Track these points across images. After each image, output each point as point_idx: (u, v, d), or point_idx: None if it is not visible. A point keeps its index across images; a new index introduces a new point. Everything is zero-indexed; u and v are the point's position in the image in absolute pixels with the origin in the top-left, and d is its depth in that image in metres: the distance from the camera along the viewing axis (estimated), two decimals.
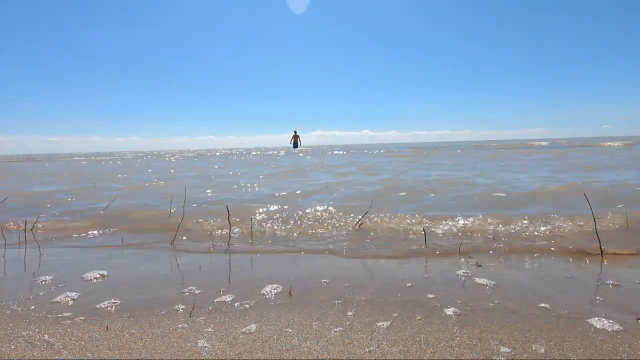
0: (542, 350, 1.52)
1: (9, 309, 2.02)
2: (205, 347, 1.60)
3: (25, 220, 3.97)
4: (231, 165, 14.06)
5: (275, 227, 3.89)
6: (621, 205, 4.13)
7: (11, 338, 1.70)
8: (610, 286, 2.17)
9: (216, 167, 13.61)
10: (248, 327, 1.77)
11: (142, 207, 5.21)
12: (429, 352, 1.54)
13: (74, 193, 6.77)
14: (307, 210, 4.37)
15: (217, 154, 33.19)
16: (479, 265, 2.56)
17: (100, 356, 1.55)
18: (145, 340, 1.67)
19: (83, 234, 3.86)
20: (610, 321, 1.72)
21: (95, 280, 2.47)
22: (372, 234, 3.52)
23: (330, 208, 4.43)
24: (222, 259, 2.93)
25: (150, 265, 2.79)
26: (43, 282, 2.43)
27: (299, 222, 4.01)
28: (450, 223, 3.64)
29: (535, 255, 2.80)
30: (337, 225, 3.85)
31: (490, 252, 2.88)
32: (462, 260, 2.71)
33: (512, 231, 3.39)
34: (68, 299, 2.15)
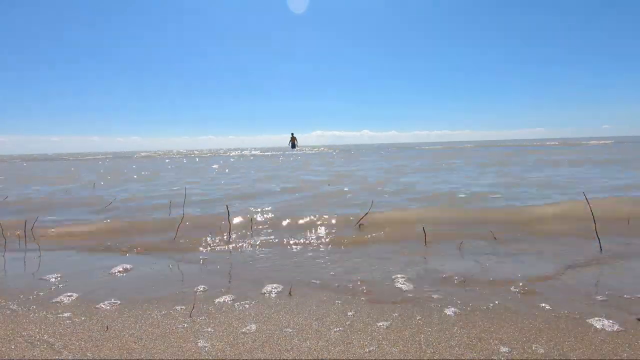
0: (542, 350, 1.52)
1: (9, 309, 2.02)
2: (205, 347, 1.60)
3: (25, 220, 3.97)
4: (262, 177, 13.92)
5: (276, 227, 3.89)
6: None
7: (11, 338, 1.70)
8: (610, 286, 2.17)
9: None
10: (248, 327, 1.77)
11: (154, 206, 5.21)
12: (429, 352, 1.54)
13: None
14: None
15: (247, 153, 33.07)
16: None
17: (100, 356, 1.55)
18: (145, 340, 1.67)
19: (83, 234, 3.86)
20: (611, 321, 1.73)
21: (95, 280, 2.47)
22: None
23: None
24: (222, 258, 2.93)
25: (150, 265, 2.79)
26: (43, 282, 2.43)
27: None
28: None
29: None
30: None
31: None
32: None
33: None
34: (68, 299, 2.15)
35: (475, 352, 1.52)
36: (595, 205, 3.43)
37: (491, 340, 1.60)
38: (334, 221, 3.97)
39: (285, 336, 1.68)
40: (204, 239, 3.54)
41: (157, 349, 1.59)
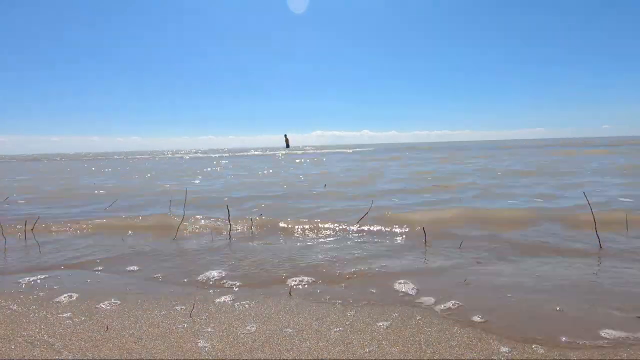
0: (542, 350, 1.52)
1: (9, 309, 2.02)
2: (205, 347, 1.60)
3: (25, 220, 3.97)
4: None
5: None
6: None
7: (11, 338, 1.70)
8: (610, 286, 2.16)
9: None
10: (248, 327, 1.77)
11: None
12: (429, 352, 1.54)
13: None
14: None
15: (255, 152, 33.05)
16: None
17: (100, 356, 1.55)
18: (145, 340, 1.67)
19: (84, 234, 3.86)
20: (610, 321, 1.72)
21: (95, 281, 2.47)
22: None
23: None
24: (222, 258, 2.92)
25: (151, 265, 2.79)
26: (43, 282, 2.43)
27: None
28: None
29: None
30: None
31: None
32: None
33: None
34: (68, 299, 2.15)
35: (475, 352, 1.52)
36: None
37: (491, 341, 1.60)
38: None
39: (285, 336, 1.68)
40: (204, 238, 3.53)
41: (157, 349, 1.59)
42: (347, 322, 1.80)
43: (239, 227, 3.86)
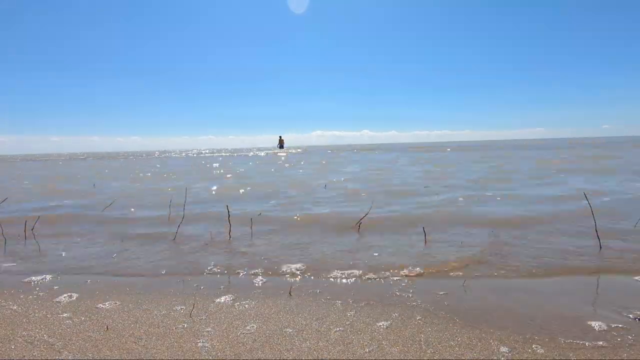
0: (542, 350, 1.52)
1: (9, 309, 2.02)
2: (205, 347, 1.60)
3: (25, 221, 3.96)
4: None
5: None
6: None
7: (11, 338, 1.70)
8: (609, 285, 2.17)
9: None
10: (248, 327, 1.77)
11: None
12: (429, 352, 1.54)
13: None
14: None
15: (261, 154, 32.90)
16: None
17: (100, 356, 1.55)
18: (145, 340, 1.67)
19: (84, 234, 3.86)
20: (611, 321, 1.72)
21: (95, 281, 2.47)
22: None
23: None
24: (222, 258, 2.92)
25: (151, 266, 2.79)
26: (43, 282, 2.43)
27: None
28: None
29: None
30: None
31: None
32: None
33: None
34: (68, 298, 2.15)
35: (475, 352, 1.52)
36: None
37: (491, 341, 1.60)
38: None
39: (285, 336, 1.68)
40: (204, 238, 3.53)
41: (157, 349, 1.59)
42: (347, 322, 1.80)
43: (239, 227, 3.86)
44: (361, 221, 3.81)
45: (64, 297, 2.16)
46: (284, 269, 2.60)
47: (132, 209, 5.09)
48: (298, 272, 2.53)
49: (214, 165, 16.06)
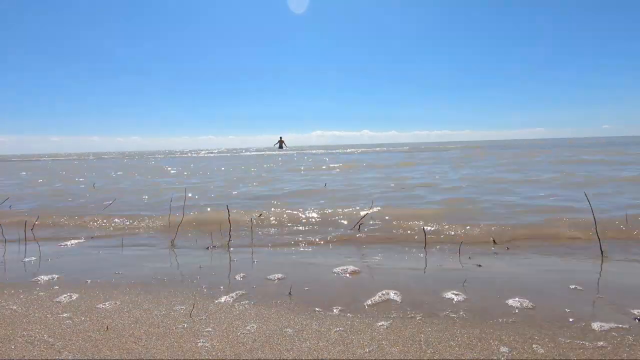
0: (542, 350, 1.52)
1: (9, 309, 2.02)
2: (205, 347, 1.60)
3: (25, 221, 3.97)
4: None
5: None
6: None
7: (11, 338, 1.70)
8: (610, 285, 2.16)
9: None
10: (248, 327, 1.77)
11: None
12: (429, 352, 1.54)
13: None
14: None
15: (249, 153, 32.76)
16: None
17: (100, 356, 1.55)
18: (145, 340, 1.67)
19: (84, 233, 3.86)
20: (610, 321, 1.72)
21: (95, 281, 2.47)
22: None
23: None
24: (222, 258, 2.93)
25: (151, 266, 2.79)
26: (43, 282, 2.43)
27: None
28: None
29: None
30: None
31: None
32: None
33: None
34: (68, 298, 2.15)
35: (475, 352, 1.52)
36: None
37: (491, 341, 1.60)
38: None
39: (285, 336, 1.68)
40: (204, 238, 3.53)
41: (157, 349, 1.59)
42: (347, 322, 1.80)
43: (239, 227, 3.86)
44: (361, 221, 3.81)
45: (64, 297, 2.16)
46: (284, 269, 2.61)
47: (132, 209, 5.09)
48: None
49: (219, 166, 16.06)
